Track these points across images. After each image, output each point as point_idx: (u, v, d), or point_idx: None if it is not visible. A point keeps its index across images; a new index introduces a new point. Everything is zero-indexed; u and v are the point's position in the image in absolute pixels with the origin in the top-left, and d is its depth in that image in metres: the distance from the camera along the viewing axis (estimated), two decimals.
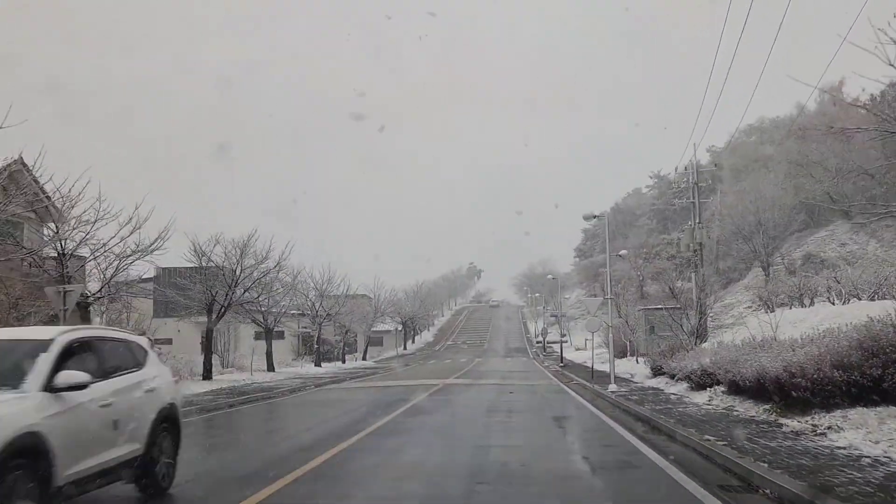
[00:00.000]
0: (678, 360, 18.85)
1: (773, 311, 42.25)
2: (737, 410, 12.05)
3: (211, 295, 25.16)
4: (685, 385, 17.11)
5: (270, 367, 32.25)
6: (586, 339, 61.34)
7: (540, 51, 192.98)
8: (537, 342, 69.03)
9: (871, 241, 57.44)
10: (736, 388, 13.63)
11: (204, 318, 27.15)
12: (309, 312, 40.15)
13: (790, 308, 40.47)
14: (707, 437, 8.73)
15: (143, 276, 32.97)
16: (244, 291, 25.90)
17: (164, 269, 29.32)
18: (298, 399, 19.38)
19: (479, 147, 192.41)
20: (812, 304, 40.25)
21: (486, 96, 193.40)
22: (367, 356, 55.49)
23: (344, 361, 47.09)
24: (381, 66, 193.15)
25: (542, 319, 66.97)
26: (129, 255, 17.63)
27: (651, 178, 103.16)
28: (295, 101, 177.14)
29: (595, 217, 18.70)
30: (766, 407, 11.48)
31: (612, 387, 18.44)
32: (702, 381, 15.63)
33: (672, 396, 15.71)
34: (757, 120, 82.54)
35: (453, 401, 17.24)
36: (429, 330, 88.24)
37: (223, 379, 26.53)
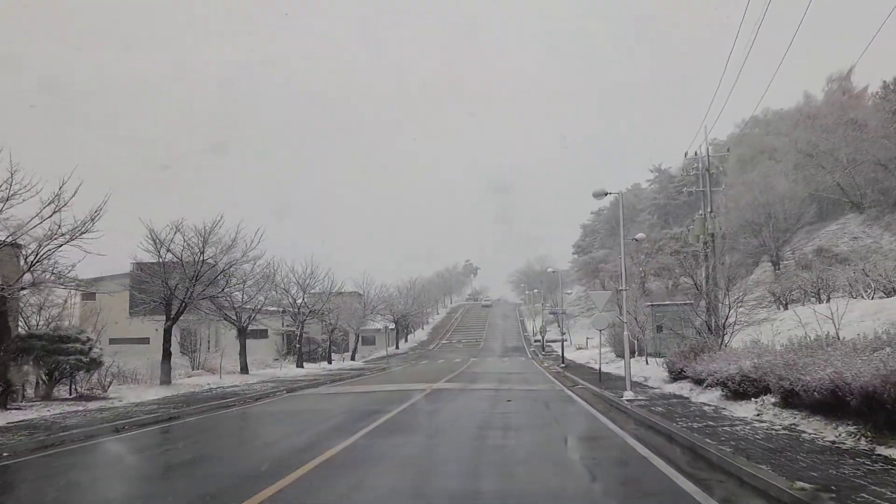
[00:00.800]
0: (705, 363, 15.98)
1: (786, 307, 39.54)
2: (805, 432, 9.18)
3: (169, 290, 22.20)
4: (718, 393, 14.25)
5: (244, 369, 29.34)
6: (587, 338, 58.57)
7: (540, 49, 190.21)
8: (535, 341, 66.16)
9: (886, 234, 54.67)
10: (792, 400, 10.78)
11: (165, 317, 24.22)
12: (290, 309, 37.21)
13: (802, 304, 37.74)
14: (801, 484, 5.84)
15: (123, 272, 30.36)
16: (207, 285, 22.91)
17: (139, 264, 26.65)
18: (257, 410, 16.46)
19: (478, 146, 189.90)
20: (829, 299, 37.51)
21: (486, 95, 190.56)
22: (357, 356, 52.60)
23: (330, 362, 44.16)
24: (381, 63, 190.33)
25: (541, 317, 64.03)
26: (53, 239, 14.67)
27: (652, 171, 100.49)
28: (294, 100, 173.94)
29: (607, 195, 15.83)
30: (850, 429, 8.62)
31: (628, 394, 15.58)
32: (742, 389, 12.77)
33: (706, 408, 12.83)
34: (762, 111, 79.91)
35: (439, 412, 14.34)
36: (423, 328, 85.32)
37: (185, 383, 23.62)
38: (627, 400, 15.00)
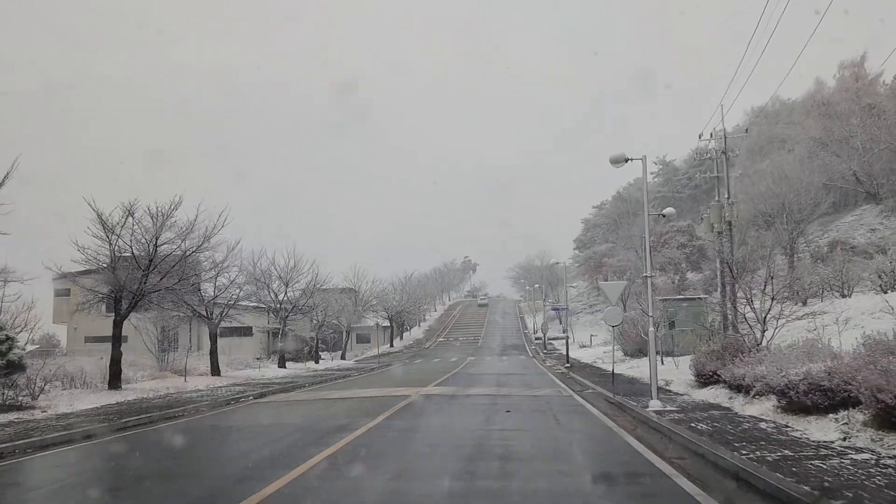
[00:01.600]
0: (747, 365, 13.10)
1: (804, 303, 36.62)
2: None
3: (118, 282, 19.26)
4: (770, 404, 11.35)
5: (215, 371, 26.42)
6: (591, 335, 55.66)
7: (541, 40, 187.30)
8: (536, 339, 63.25)
9: None
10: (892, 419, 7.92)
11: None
12: (272, 305, 34.32)
13: (821, 300, 34.86)
14: None
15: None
16: (163, 276, 19.95)
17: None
18: (201, 424, 13.55)
19: (479, 142, 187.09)
20: (851, 293, 34.62)
21: (485, 91, 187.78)
22: (350, 355, 49.71)
23: (317, 361, 41.23)
24: (381, 60, 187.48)
25: (542, 314, 61.15)
26: None
27: (656, 163, 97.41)
28: (293, 96, 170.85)
29: (628, 160, 12.94)
30: None
31: (655, 403, 12.68)
32: (810, 400, 9.87)
33: (764, 426, 9.89)
34: (771, 100, 77.03)
35: (419, 431, 11.41)
36: (419, 326, 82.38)
37: (138, 388, 20.67)
38: (655, 412, 12.11)
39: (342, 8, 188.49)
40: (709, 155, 32.76)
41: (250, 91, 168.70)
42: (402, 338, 69.65)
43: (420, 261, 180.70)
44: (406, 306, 65.05)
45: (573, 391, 18.90)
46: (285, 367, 33.71)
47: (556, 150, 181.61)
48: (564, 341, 59.36)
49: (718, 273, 34.02)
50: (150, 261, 19.22)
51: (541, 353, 48.44)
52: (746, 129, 34.99)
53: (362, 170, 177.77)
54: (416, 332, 76.95)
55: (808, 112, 68.16)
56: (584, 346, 48.86)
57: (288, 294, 34.13)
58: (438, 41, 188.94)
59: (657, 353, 32.64)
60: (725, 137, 33.64)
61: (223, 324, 35.73)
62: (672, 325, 33.55)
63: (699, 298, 36.41)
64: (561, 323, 66.91)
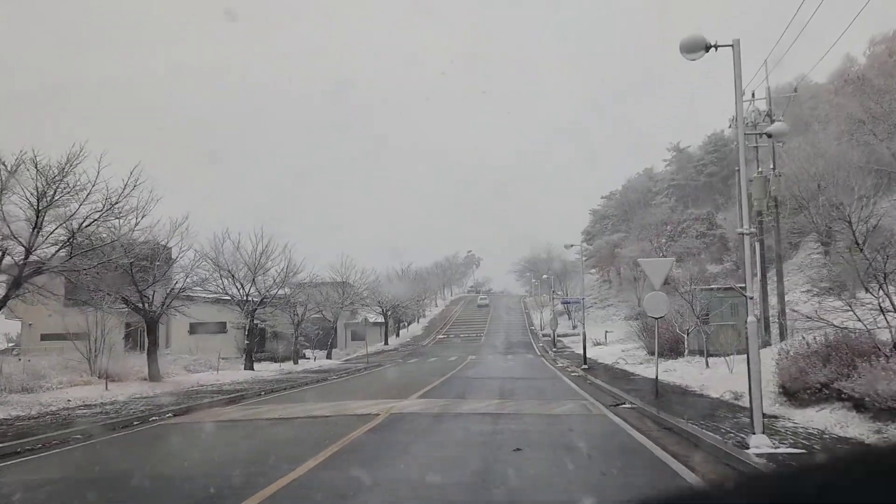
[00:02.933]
0: None
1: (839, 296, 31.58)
2: None
3: None
4: None
5: (154, 376, 21.44)
6: (606, 332, 50.54)
7: (544, 27, 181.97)
8: (544, 335, 58.19)
9: None
10: None
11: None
12: (238, 297, 29.38)
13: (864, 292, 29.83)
14: None
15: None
16: (59, 249, 14.94)
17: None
18: (55, 461, 8.58)
19: (478, 142, 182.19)
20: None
21: (490, 82, 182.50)
22: (338, 353, 44.77)
23: (296, 362, 36.26)
24: (384, 57, 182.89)
25: (551, 308, 56.01)
26: None
27: (669, 150, 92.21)
28: (293, 96, 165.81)
29: (710, 48, 7.85)
30: None
31: (760, 441, 7.66)
32: None
33: None
34: (796, 78, 71.70)
35: (371, 488, 6.42)
36: (418, 322, 77.39)
37: (21, 402, 15.66)
38: (765, 456, 7.10)
39: (341, 6, 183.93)
40: (750, 120, 27.88)
41: (248, 91, 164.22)
42: (398, 335, 64.69)
43: (422, 260, 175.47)
44: (402, 300, 60.03)
45: (604, 406, 13.86)
46: (252, 369, 28.76)
47: (555, 150, 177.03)
48: (576, 339, 54.36)
49: (758, 258, 29.34)
50: (36, 229, 14.20)
51: (550, 352, 43.40)
52: (795, 88, 29.68)
53: (362, 170, 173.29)
54: (415, 329, 71.97)
55: (837, 91, 62.95)
56: (599, 344, 43.72)
57: (257, 284, 29.13)
58: (438, 41, 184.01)
59: (689, 351, 27.51)
60: (769, 97, 28.57)
61: (192, 319, 31.01)
62: (706, 319, 28.41)
63: (741, 288, 30.88)
64: (570, 319, 61.93)
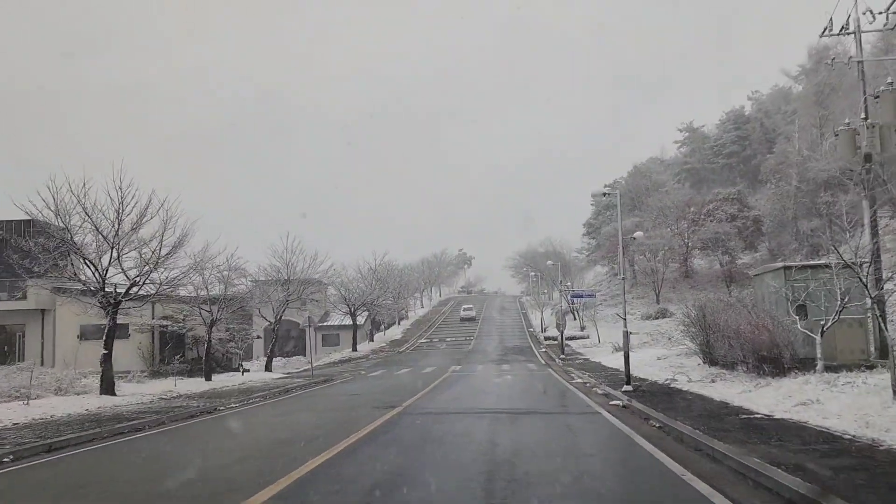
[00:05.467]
0: None
1: None
2: None
3: None
4: None
5: None
6: (630, 333, 40.60)
7: (547, 20, 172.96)
8: (546, 339, 48.20)
9: None
10: None
11: None
12: (93, 287, 19.33)
13: None
14: None
15: None
16: None
17: None
18: None
19: (479, 141, 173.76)
20: None
21: (491, 77, 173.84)
22: (274, 365, 34.54)
23: (209, 378, 26.15)
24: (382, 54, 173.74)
25: (556, 307, 45.87)
26: None
27: (681, 131, 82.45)
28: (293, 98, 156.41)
29: None
30: None
31: None
32: None
33: None
34: (833, 42, 62.07)
35: None
36: (399, 324, 67.33)
37: None
38: None
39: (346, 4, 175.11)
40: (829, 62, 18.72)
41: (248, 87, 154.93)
42: (372, 339, 54.50)
43: (407, 257, 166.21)
44: (376, 298, 49.90)
45: None
46: (114, 394, 18.70)
47: (557, 148, 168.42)
48: (585, 342, 44.23)
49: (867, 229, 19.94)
50: None
51: (557, 360, 33.42)
52: (887, 17, 19.38)
53: (362, 169, 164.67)
54: (394, 332, 61.82)
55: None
56: (619, 350, 33.64)
57: (122, 263, 19.09)
58: (437, 40, 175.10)
59: (804, 361, 17.41)
60: (859, 31, 18.87)
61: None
62: (802, 308, 18.31)
63: (845, 265, 20.18)
64: (577, 318, 51.94)
